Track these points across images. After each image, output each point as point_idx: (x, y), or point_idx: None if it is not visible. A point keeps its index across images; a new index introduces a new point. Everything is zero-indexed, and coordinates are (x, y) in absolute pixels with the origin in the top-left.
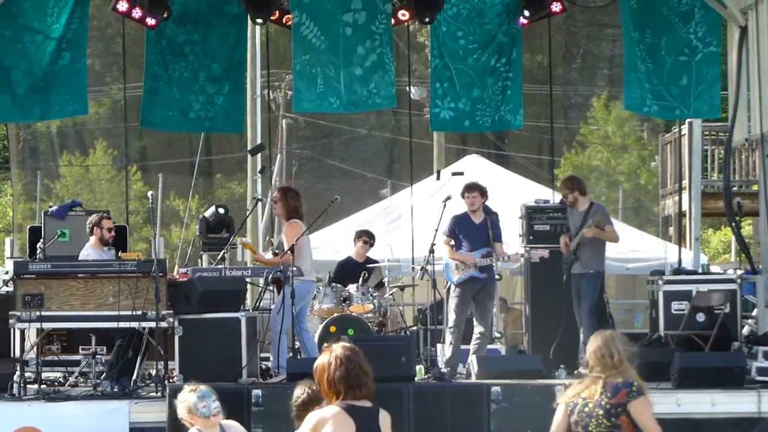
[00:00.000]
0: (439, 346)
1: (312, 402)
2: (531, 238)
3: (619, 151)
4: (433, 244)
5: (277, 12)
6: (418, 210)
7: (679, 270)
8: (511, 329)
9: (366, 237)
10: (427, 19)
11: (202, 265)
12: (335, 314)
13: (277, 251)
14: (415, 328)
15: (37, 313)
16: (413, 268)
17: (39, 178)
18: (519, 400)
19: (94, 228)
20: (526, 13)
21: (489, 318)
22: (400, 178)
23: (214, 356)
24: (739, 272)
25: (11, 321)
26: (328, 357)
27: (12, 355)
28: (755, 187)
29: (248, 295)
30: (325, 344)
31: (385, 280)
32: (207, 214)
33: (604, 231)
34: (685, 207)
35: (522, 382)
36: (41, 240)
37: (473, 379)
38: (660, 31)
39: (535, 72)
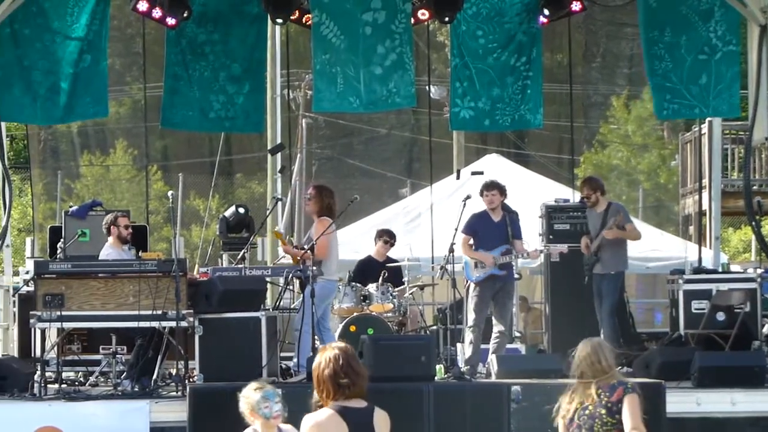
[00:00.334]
0: (458, 345)
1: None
2: (551, 237)
3: (639, 150)
4: (452, 244)
5: (296, 12)
6: (437, 209)
7: (699, 269)
8: (532, 329)
9: (387, 237)
10: (446, 19)
11: (222, 264)
12: (355, 313)
13: (305, 247)
14: (434, 327)
15: (58, 313)
16: (433, 267)
17: (59, 178)
18: (539, 399)
19: (111, 227)
20: (546, 12)
21: (508, 317)
22: (419, 177)
23: (235, 356)
24: (759, 271)
25: (32, 321)
26: (320, 357)
27: (33, 355)
28: None
29: (268, 295)
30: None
31: (405, 279)
32: (227, 213)
33: (624, 230)
34: (705, 206)
35: (542, 382)
36: (62, 240)
37: (493, 379)
38: (679, 30)
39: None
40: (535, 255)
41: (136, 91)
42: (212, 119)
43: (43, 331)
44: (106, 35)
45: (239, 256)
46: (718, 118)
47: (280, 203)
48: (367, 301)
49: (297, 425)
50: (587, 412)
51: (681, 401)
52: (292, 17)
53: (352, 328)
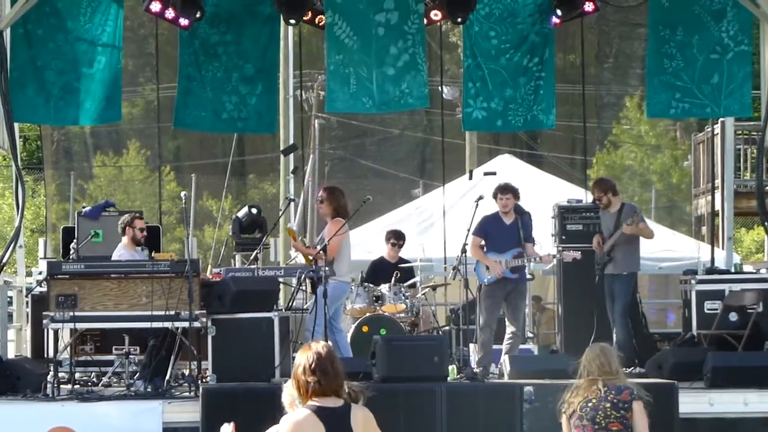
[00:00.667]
0: (471, 345)
1: (351, 402)
2: (564, 237)
3: (651, 151)
4: (465, 244)
5: (309, 12)
6: (450, 210)
7: (711, 269)
8: (545, 329)
9: (394, 238)
10: (459, 19)
11: (235, 265)
12: (368, 314)
13: (317, 247)
14: (447, 328)
15: (71, 314)
16: (445, 267)
17: (72, 179)
18: (551, 399)
19: (126, 228)
20: (559, 12)
21: (521, 318)
22: (432, 178)
23: (247, 356)
24: None
25: (45, 321)
26: (297, 357)
27: (46, 356)
28: None
29: (281, 295)
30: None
31: (418, 279)
32: (240, 214)
33: (640, 228)
34: (717, 206)
35: (554, 382)
36: (74, 240)
37: (506, 379)
38: (692, 29)
39: (568, 71)
40: (547, 260)
41: (149, 92)
42: (225, 120)
43: (56, 332)
44: (120, 37)
45: (252, 257)
46: (730, 118)
47: (292, 204)
48: (380, 302)
49: None
50: (590, 404)
51: (694, 402)
52: (304, 18)
53: (365, 329)
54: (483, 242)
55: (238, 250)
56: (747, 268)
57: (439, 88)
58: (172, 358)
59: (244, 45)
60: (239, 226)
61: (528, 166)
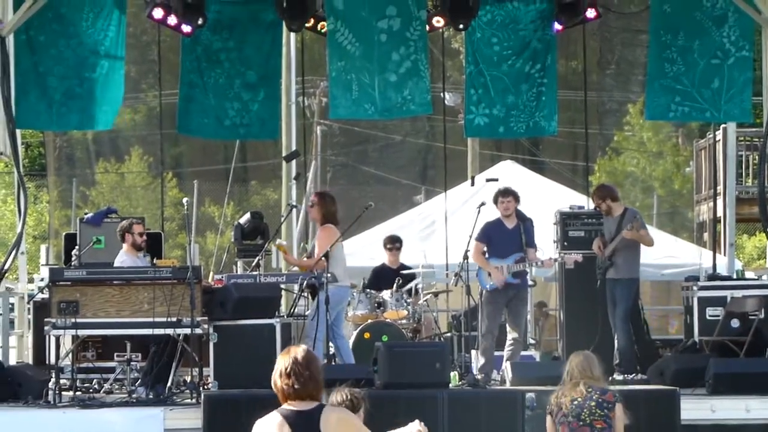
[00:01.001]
0: (473, 352)
1: (353, 409)
2: (565, 244)
3: (653, 157)
4: (467, 251)
5: (311, 19)
6: (452, 216)
7: (713, 276)
8: (548, 335)
9: (389, 243)
10: (461, 26)
11: (237, 271)
12: (369, 320)
13: (310, 256)
14: (449, 334)
15: (73, 320)
16: (447, 274)
17: (75, 185)
18: None
19: (125, 234)
20: (561, 19)
21: (523, 324)
22: (434, 184)
23: (249, 363)
24: None
25: (46, 328)
26: (277, 360)
27: (47, 362)
28: None
29: (283, 302)
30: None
31: (420, 286)
32: (242, 220)
33: (640, 234)
34: (719, 213)
35: (556, 389)
36: (77, 247)
37: (507, 386)
38: (693, 35)
39: (570, 78)
40: (549, 264)
41: (151, 99)
42: (227, 126)
43: (57, 339)
44: (122, 42)
45: (254, 263)
46: (732, 124)
47: (294, 210)
48: (382, 308)
49: None
50: (575, 403)
51: (695, 408)
52: (306, 25)
53: (367, 335)
54: (485, 248)
55: (240, 256)
56: (749, 274)
57: (441, 94)
58: (174, 364)
59: (246, 51)
60: (241, 232)
61: (530, 172)
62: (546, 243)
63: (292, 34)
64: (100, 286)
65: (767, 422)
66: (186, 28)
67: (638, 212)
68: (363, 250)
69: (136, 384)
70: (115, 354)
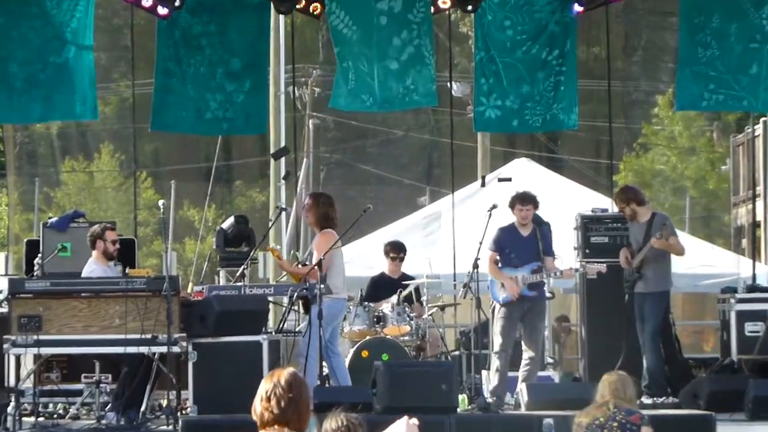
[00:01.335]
0: (484, 372)
1: None
2: (587, 251)
3: (685, 154)
4: (477, 259)
5: (303, 0)
6: (460, 220)
7: (753, 287)
8: (570, 354)
9: (393, 252)
10: (470, 7)
11: (219, 282)
12: (368, 337)
13: (306, 264)
14: (457, 352)
15: (35, 337)
16: (455, 285)
17: (37, 186)
18: None
19: (97, 240)
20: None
21: (540, 341)
22: (440, 184)
23: (233, 385)
24: None
25: (6, 346)
26: (261, 383)
27: (6, 384)
28: None
29: (271, 316)
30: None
31: (424, 298)
32: (225, 225)
33: (670, 243)
34: (759, 216)
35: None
36: (39, 255)
37: (522, 410)
38: (729, 16)
39: (592, 65)
40: (569, 274)
41: (123, 89)
42: (208, 120)
43: (18, 358)
44: (90, 24)
45: (238, 273)
46: None
47: (284, 213)
48: (382, 323)
49: None
50: (597, 422)
51: None
52: (297, 6)
53: (365, 354)
54: (498, 257)
55: (223, 265)
56: None
57: (448, 84)
58: (148, 387)
59: (230, 36)
60: (224, 238)
61: (547, 171)
62: (565, 250)
63: (281, 17)
64: (66, 298)
65: None
66: (162, 10)
67: (668, 217)
68: (360, 258)
69: (106, 409)
70: (83, 375)
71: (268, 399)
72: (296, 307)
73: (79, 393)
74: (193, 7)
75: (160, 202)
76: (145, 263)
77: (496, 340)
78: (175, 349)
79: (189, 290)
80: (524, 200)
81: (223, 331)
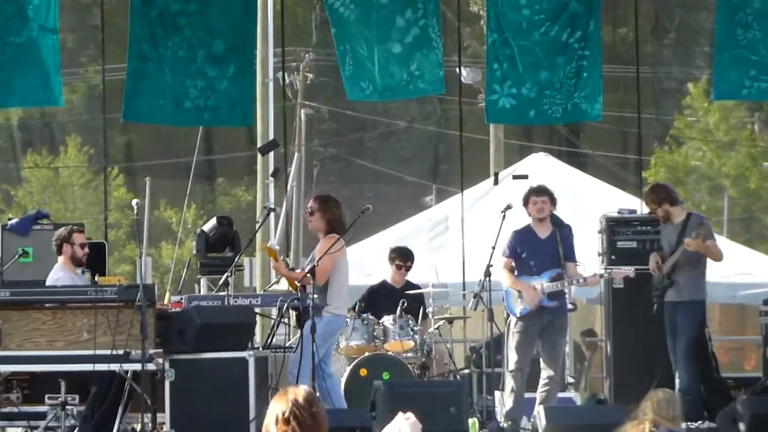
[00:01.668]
0: (497, 393)
1: None
2: (613, 257)
3: (723, 149)
4: (489, 266)
5: None
6: (470, 223)
7: None
8: (597, 372)
9: (399, 260)
10: None
11: (199, 292)
12: (367, 353)
13: (304, 268)
14: (467, 371)
15: None
16: (464, 295)
17: None
18: None
19: (63, 244)
20: None
21: (560, 358)
22: (447, 182)
23: (215, 407)
24: None
25: None
26: (272, 404)
27: None
28: None
29: (258, 330)
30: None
31: (430, 310)
32: (206, 227)
33: (706, 245)
34: None
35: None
36: None
37: None
38: None
39: (618, 49)
40: (593, 281)
41: (92, 75)
42: (188, 109)
43: None
44: (56, 2)
45: (221, 282)
46: None
47: (272, 214)
48: (382, 338)
49: None
50: None
51: None
52: None
53: (363, 372)
54: (513, 264)
55: (204, 272)
56: None
57: (457, 69)
58: (120, 409)
59: (211, 16)
60: (205, 242)
61: (568, 167)
62: (588, 256)
63: None
64: (28, 310)
65: None
66: None
67: (705, 218)
68: (358, 265)
69: None
70: (47, 396)
71: (287, 421)
72: (286, 320)
73: (42, 416)
74: None
75: (134, 202)
76: (117, 270)
77: (511, 357)
78: (150, 366)
79: (166, 301)
80: (538, 192)
81: (204, 346)
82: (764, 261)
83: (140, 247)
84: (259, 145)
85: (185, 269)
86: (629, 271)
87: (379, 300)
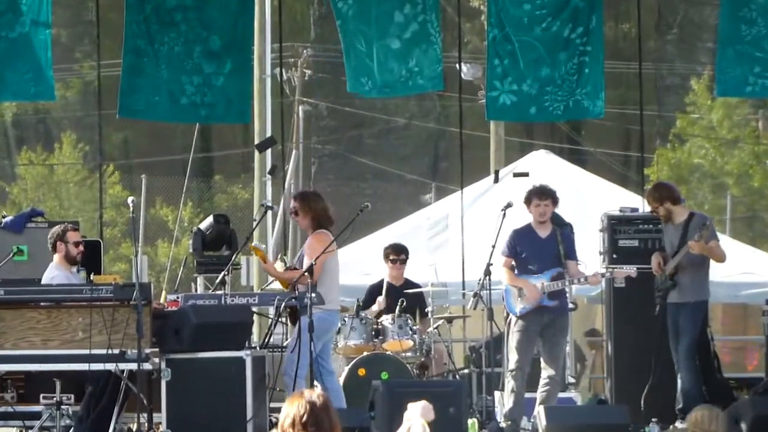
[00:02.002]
0: (497, 393)
1: None
2: (614, 256)
3: (727, 146)
4: (489, 264)
5: None
6: (470, 221)
7: None
8: (599, 373)
9: (393, 254)
10: None
11: (196, 290)
12: (365, 353)
13: (296, 266)
14: (466, 370)
15: None
16: (464, 294)
17: None
18: None
19: (58, 242)
20: None
21: (561, 358)
22: (447, 180)
23: (212, 407)
24: None
25: None
26: (284, 408)
27: None
28: None
29: (255, 329)
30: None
31: (429, 309)
32: (203, 226)
33: (709, 246)
34: None
35: None
36: None
37: None
38: None
39: (621, 45)
40: (594, 280)
41: (87, 71)
42: (184, 106)
43: None
44: None
45: (218, 280)
46: None
47: (270, 212)
48: (381, 337)
49: None
50: None
51: None
52: None
53: (362, 372)
54: (514, 262)
55: (201, 271)
56: None
57: (457, 66)
58: (116, 409)
59: (208, 11)
60: (202, 240)
61: (569, 165)
62: (589, 255)
63: None
64: (22, 309)
65: None
66: None
67: (709, 218)
68: (356, 264)
69: None
70: (41, 395)
71: (304, 426)
72: (284, 319)
73: (37, 416)
74: None
75: (130, 200)
76: (112, 269)
77: (512, 357)
78: (147, 366)
79: (162, 299)
80: (542, 194)
81: (200, 345)
82: (767, 260)
83: (136, 245)
84: (256, 142)
85: (181, 268)
86: (631, 270)
87: (378, 298)
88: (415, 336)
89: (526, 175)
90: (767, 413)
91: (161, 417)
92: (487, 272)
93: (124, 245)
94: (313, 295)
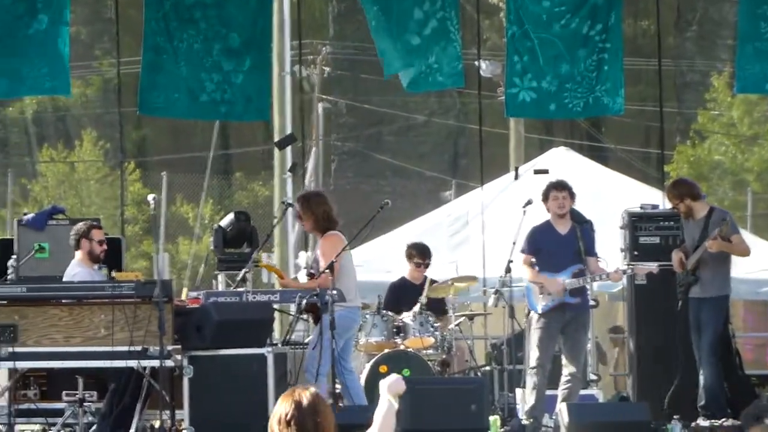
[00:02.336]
0: (518, 391)
1: None
2: (635, 253)
3: (747, 143)
4: (510, 261)
5: None
6: (490, 218)
7: None
8: (622, 370)
9: (418, 257)
10: None
11: (217, 287)
12: (386, 350)
13: (312, 272)
14: (488, 368)
15: (9, 350)
16: (485, 291)
17: (10, 178)
18: None
19: (82, 240)
20: None
21: (582, 355)
22: (467, 177)
23: (234, 403)
24: None
25: None
26: (277, 404)
27: None
28: None
29: (276, 326)
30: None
31: (449, 307)
32: (223, 223)
33: (730, 243)
34: None
35: None
36: (14, 256)
37: None
38: None
39: (640, 42)
40: (616, 277)
41: (107, 68)
42: (204, 103)
43: None
44: None
45: (239, 278)
46: None
47: (290, 210)
48: (402, 335)
49: None
50: None
51: None
52: None
53: (383, 369)
54: (534, 259)
55: (222, 268)
56: None
57: (476, 62)
58: (139, 406)
59: (227, 8)
60: (223, 238)
61: (589, 162)
62: (610, 253)
63: None
64: (45, 306)
65: None
66: None
67: (729, 213)
68: (377, 261)
69: (91, 430)
70: (64, 392)
71: (288, 423)
72: (305, 316)
73: (60, 413)
74: None
75: (151, 197)
76: (134, 266)
77: (533, 354)
78: (169, 363)
79: (183, 296)
80: (558, 186)
81: (222, 342)
82: None
83: (157, 242)
84: (276, 139)
85: (203, 265)
86: (652, 267)
87: (399, 296)
88: (437, 333)
89: (546, 172)
90: None
91: (183, 414)
92: (508, 269)
93: (145, 242)
94: (334, 292)
